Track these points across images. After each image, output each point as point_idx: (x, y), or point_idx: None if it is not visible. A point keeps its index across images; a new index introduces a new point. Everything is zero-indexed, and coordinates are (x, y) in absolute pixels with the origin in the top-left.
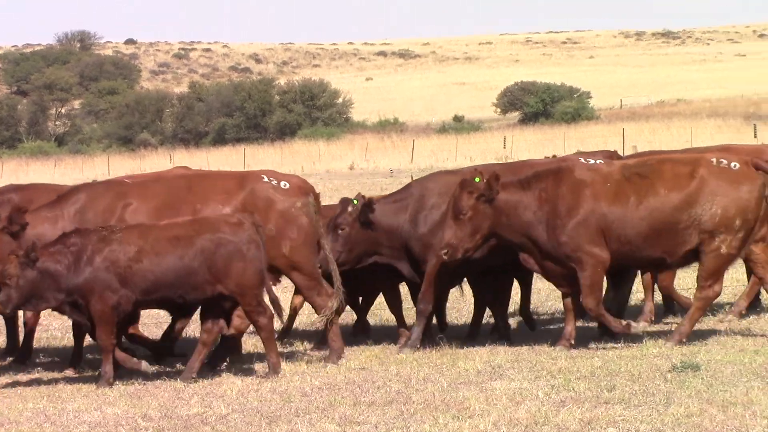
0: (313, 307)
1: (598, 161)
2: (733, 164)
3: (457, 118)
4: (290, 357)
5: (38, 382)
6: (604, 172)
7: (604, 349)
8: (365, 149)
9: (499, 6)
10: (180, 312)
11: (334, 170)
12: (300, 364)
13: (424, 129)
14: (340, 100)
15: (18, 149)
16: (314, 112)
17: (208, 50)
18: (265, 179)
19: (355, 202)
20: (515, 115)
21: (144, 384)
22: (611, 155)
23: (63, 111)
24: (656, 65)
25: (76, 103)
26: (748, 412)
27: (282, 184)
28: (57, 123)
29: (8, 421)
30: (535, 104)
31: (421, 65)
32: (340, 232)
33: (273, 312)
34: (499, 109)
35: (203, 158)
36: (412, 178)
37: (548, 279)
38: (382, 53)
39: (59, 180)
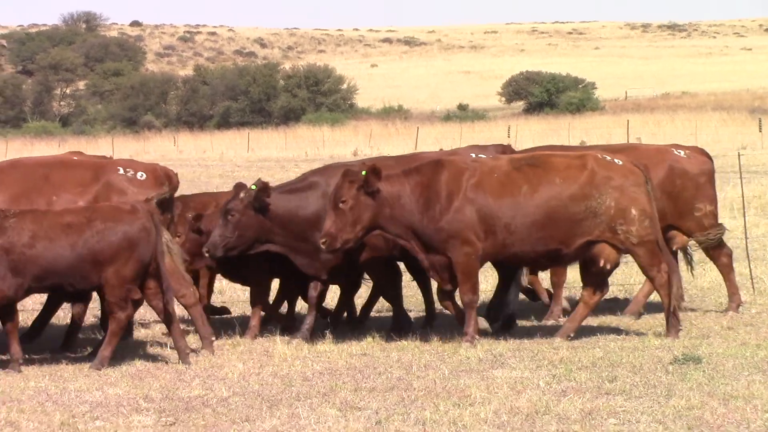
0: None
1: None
2: (616, 161)
3: (462, 107)
4: (291, 342)
5: (40, 361)
6: (486, 164)
7: (606, 340)
8: (369, 136)
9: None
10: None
11: (338, 156)
12: (301, 349)
13: (429, 117)
14: (345, 86)
15: (23, 129)
16: (318, 97)
17: (213, 34)
18: (121, 171)
19: (254, 187)
20: (520, 105)
21: (146, 365)
22: (504, 149)
23: (68, 91)
24: (662, 57)
25: (81, 84)
26: (749, 405)
27: (138, 175)
28: (62, 103)
29: (10, 400)
30: (540, 94)
31: (426, 53)
32: (229, 217)
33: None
34: (503, 99)
35: (207, 141)
36: None
37: (430, 271)
38: (388, 40)
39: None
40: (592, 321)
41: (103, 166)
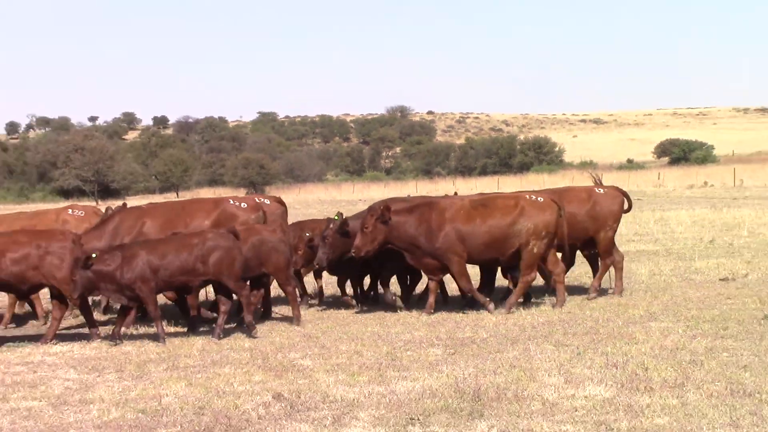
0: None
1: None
2: (539, 198)
3: (629, 161)
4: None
5: (371, 314)
6: (458, 203)
7: (720, 303)
8: (572, 180)
9: (657, 88)
10: None
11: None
12: (522, 307)
13: (608, 167)
14: (557, 149)
15: (363, 176)
16: (541, 156)
17: (477, 118)
18: (231, 202)
19: (336, 218)
20: (665, 159)
21: (436, 318)
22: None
23: (390, 154)
24: (758, 130)
25: (398, 149)
26: None
27: (242, 204)
28: (386, 161)
29: (354, 338)
30: (678, 152)
31: (607, 128)
32: (325, 240)
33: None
34: (655, 155)
35: (473, 184)
36: None
37: (425, 271)
38: (583, 120)
39: (381, 196)
40: (712, 293)
41: (221, 200)
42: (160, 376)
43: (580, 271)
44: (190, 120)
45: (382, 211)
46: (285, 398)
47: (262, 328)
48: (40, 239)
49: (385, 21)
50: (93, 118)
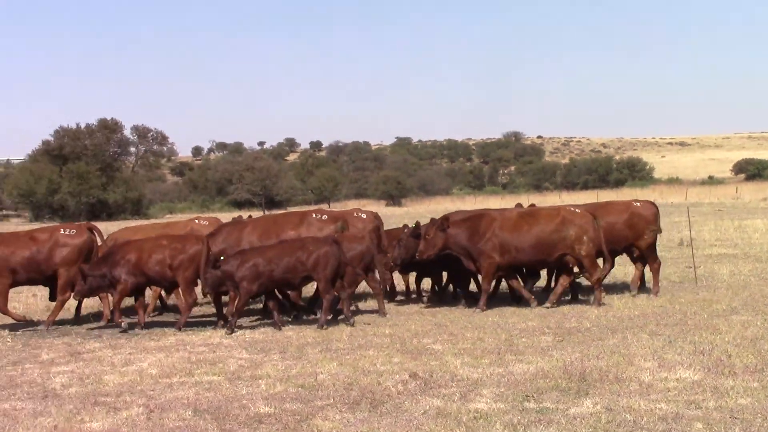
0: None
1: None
2: (577, 210)
3: (710, 177)
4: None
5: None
6: (507, 214)
7: None
8: (660, 193)
9: (734, 115)
10: None
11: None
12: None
13: (692, 182)
14: (647, 167)
15: (483, 190)
16: (633, 173)
17: (579, 141)
18: (314, 216)
19: (412, 225)
20: (742, 176)
21: (541, 311)
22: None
23: (505, 171)
24: None
25: (512, 168)
26: None
27: (323, 217)
28: (502, 177)
29: (474, 327)
30: (753, 170)
31: (690, 150)
32: (401, 243)
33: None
34: (733, 173)
35: (576, 197)
36: (687, 208)
37: (476, 271)
38: (670, 143)
39: (498, 206)
40: None
41: (306, 213)
42: (316, 356)
43: (669, 270)
44: (340, 144)
45: (441, 221)
46: (420, 377)
47: (399, 317)
48: (177, 243)
49: (503, 62)
50: (261, 143)
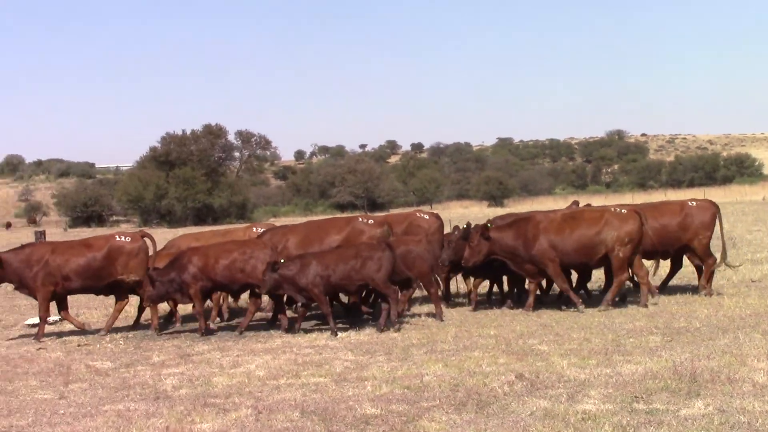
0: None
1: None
2: (623, 211)
3: None
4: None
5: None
6: (551, 216)
7: None
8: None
9: None
10: None
11: (749, 201)
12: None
13: None
14: (756, 163)
15: (586, 190)
16: (742, 170)
17: (685, 138)
18: (360, 220)
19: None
20: None
21: (652, 308)
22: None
23: (608, 170)
24: None
25: (616, 166)
26: None
27: (369, 221)
28: (605, 176)
29: (581, 328)
30: None
31: None
32: (449, 245)
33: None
34: None
35: (682, 195)
36: None
37: (525, 275)
38: None
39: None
40: None
41: (351, 218)
42: (421, 358)
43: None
44: (441, 145)
45: (482, 227)
46: (526, 378)
47: (504, 318)
48: (246, 248)
49: (605, 60)
50: (363, 146)
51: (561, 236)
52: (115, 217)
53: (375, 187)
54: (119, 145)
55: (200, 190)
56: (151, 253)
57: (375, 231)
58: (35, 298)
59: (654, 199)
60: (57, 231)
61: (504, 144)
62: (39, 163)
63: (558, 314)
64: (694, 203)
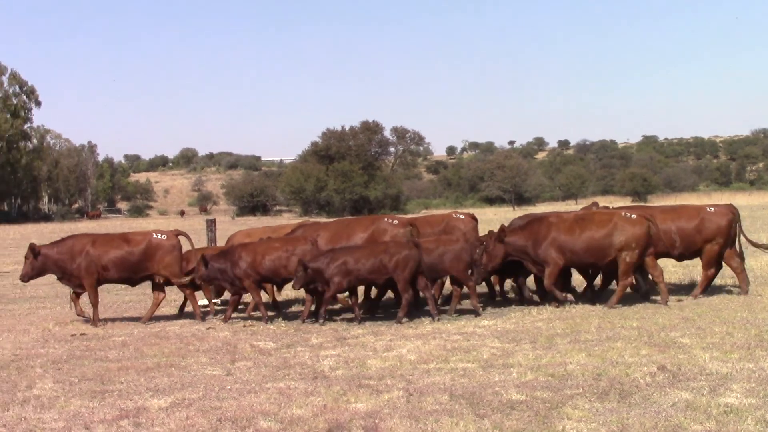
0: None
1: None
2: (632, 215)
3: None
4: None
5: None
6: (563, 217)
7: None
8: None
9: None
10: None
11: None
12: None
13: None
14: None
15: (729, 187)
16: None
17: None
18: (386, 219)
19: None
20: None
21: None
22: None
23: (753, 168)
24: None
25: (761, 165)
26: None
27: (394, 222)
28: (750, 174)
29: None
30: None
31: None
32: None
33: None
34: None
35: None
36: None
37: (538, 273)
38: None
39: (746, 203)
40: None
41: (377, 218)
42: (565, 347)
43: None
44: (587, 143)
45: (499, 232)
46: (668, 369)
47: (647, 311)
48: (288, 244)
49: (749, 57)
50: (511, 142)
51: (570, 237)
52: (278, 207)
53: (522, 182)
54: (283, 139)
55: (357, 183)
56: (188, 248)
57: (398, 231)
58: (81, 288)
59: None
60: (225, 219)
61: (649, 141)
62: (210, 156)
63: (700, 308)
64: (712, 208)
